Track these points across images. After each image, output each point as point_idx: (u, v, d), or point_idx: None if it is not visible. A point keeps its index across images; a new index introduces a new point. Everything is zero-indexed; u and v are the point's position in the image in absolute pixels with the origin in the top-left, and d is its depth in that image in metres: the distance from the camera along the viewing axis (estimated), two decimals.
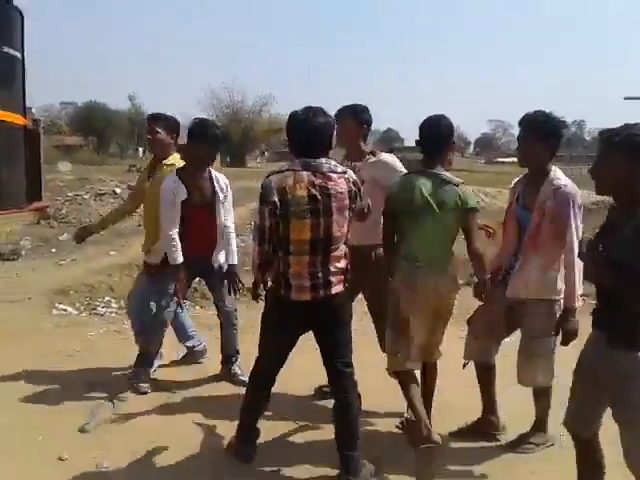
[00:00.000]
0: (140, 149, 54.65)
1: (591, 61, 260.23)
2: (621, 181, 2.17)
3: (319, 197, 2.79)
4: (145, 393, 3.97)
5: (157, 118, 4.21)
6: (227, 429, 3.40)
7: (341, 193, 2.84)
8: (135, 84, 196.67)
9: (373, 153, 3.75)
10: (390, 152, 4.06)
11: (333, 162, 2.92)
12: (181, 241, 3.87)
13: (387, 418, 3.64)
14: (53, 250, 8.91)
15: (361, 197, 2.98)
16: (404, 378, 3.22)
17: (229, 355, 4.27)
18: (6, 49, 5.19)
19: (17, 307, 6.00)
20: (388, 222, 3.31)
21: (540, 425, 3.36)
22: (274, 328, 3.03)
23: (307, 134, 2.85)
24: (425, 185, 3.15)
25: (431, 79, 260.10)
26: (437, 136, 3.23)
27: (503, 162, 64.85)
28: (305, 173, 2.81)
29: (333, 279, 2.92)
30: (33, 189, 5.92)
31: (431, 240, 3.18)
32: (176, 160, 4.14)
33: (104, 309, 6.09)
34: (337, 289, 2.95)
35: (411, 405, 3.14)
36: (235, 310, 4.23)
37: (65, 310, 6.02)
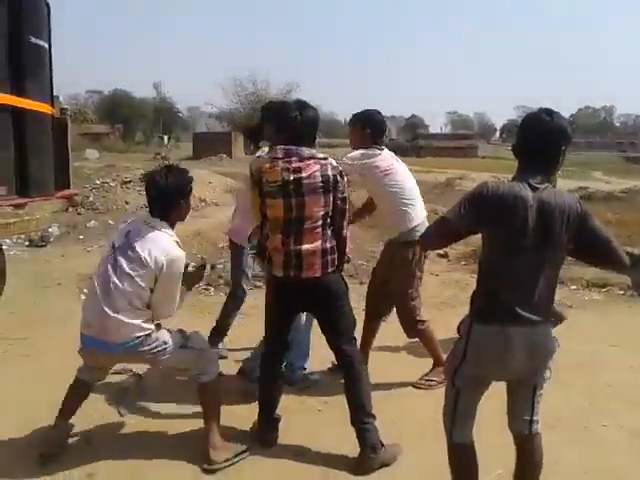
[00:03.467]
0: (165, 137, 55.06)
1: (622, 45, 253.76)
2: None
3: (291, 180, 2.98)
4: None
5: None
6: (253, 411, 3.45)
7: (313, 176, 3.00)
8: (160, 73, 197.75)
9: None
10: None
11: (314, 151, 3.10)
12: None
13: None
14: (81, 237, 9.07)
15: (339, 184, 3.08)
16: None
17: None
18: (34, 39, 5.24)
19: (48, 293, 6.13)
20: None
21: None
22: (270, 306, 3.27)
23: (290, 125, 3.06)
24: None
25: (458, 63, 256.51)
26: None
27: None
28: (282, 158, 3.02)
29: (307, 261, 3.04)
30: (62, 177, 5.99)
31: None
32: None
33: None
34: (313, 272, 3.05)
35: None
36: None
37: None
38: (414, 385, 3.97)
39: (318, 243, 3.05)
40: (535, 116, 2.33)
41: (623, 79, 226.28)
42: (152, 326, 2.96)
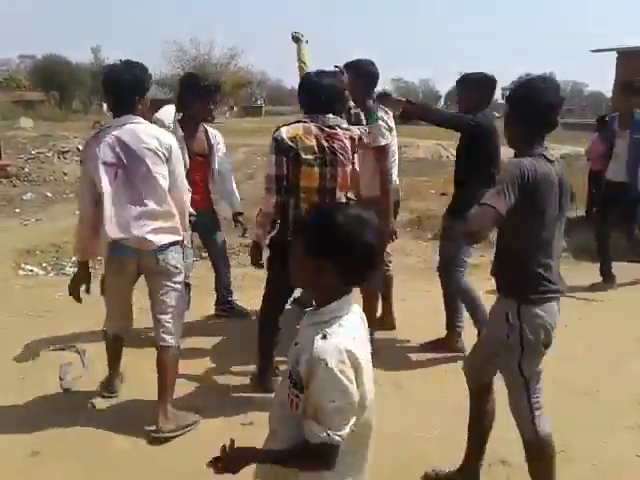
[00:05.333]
0: (104, 104, 52.98)
1: (560, 13, 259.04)
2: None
3: (326, 148, 3.04)
4: None
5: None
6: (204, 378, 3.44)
7: (344, 147, 3.10)
8: (98, 37, 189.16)
9: (370, 107, 3.92)
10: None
11: (340, 119, 3.17)
12: None
13: None
14: (17, 210, 8.70)
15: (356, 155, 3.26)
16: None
17: (227, 290, 4.66)
18: None
19: None
20: None
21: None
22: (280, 271, 3.12)
23: (317, 93, 3.08)
24: None
25: (402, 32, 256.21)
26: None
27: None
28: (313, 125, 3.05)
29: None
30: None
31: None
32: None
33: (72, 269, 6.00)
34: None
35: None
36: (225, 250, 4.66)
37: (32, 271, 5.94)
38: None
39: None
40: (547, 86, 2.31)
41: (561, 46, 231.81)
42: (179, 237, 3.05)
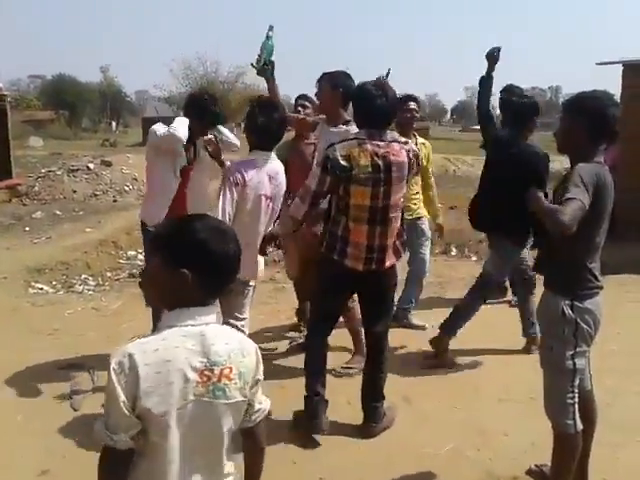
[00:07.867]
0: (113, 123, 53.53)
1: (567, 27, 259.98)
2: (568, 139, 2.41)
3: (381, 166, 2.88)
4: None
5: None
6: None
7: (401, 163, 2.94)
8: (105, 56, 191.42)
9: (347, 122, 3.63)
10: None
11: (396, 134, 3.02)
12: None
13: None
14: (27, 228, 8.78)
15: (418, 166, 3.09)
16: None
17: None
18: None
19: None
20: None
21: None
22: (325, 288, 3.18)
23: (376, 107, 2.91)
24: None
25: (407, 46, 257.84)
26: None
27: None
28: (369, 142, 2.90)
29: (387, 253, 3.04)
30: (3, 166, 5.78)
31: None
32: None
33: (81, 287, 6.05)
34: (390, 262, 3.09)
35: None
36: None
37: (42, 289, 5.97)
38: (334, 373, 3.81)
39: (395, 234, 3.06)
40: (612, 101, 2.40)
41: (567, 61, 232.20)
42: None
